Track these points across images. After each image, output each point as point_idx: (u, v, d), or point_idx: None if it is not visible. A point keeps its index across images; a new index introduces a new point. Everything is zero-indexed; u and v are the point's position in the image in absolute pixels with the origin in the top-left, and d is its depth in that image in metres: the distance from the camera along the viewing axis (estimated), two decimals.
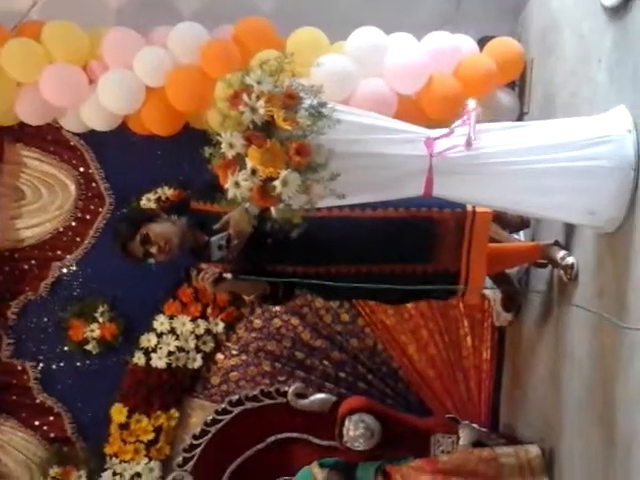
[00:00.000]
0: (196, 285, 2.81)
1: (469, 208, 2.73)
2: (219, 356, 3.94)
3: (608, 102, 2.35)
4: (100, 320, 3.88)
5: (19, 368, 3.96)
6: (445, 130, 2.26)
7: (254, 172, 1.98)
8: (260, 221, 2.18)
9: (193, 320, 3.86)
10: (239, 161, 2.01)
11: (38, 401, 3.95)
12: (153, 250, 2.68)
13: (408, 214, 2.74)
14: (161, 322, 3.86)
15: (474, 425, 3.53)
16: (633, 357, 2.05)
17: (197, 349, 3.88)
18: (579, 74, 2.73)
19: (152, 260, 2.72)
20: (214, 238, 2.60)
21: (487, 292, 3.69)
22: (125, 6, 3.90)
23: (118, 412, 3.85)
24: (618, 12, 2.31)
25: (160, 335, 3.85)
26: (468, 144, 2.20)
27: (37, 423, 3.97)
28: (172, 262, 3.81)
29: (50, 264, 3.95)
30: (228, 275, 2.60)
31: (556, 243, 2.83)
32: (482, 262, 2.77)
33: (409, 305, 3.81)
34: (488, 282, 3.57)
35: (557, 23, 3.07)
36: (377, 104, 3.16)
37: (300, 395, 3.75)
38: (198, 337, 3.86)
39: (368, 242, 2.75)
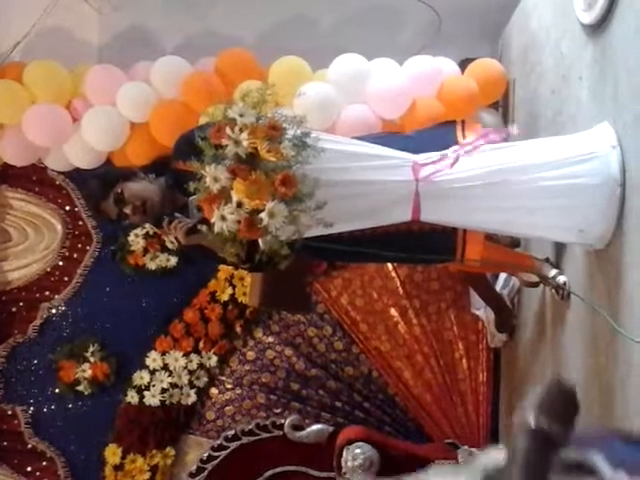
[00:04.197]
0: (167, 233, 2.51)
1: None
2: (213, 391, 3.89)
3: (591, 119, 2.36)
4: (91, 360, 3.82)
5: (9, 413, 3.90)
6: (434, 155, 2.27)
7: (240, 205, 1.97)
8: None
9: (185, 355, 3.82)
10: (224, 194, 2.00)
11: (30, 446, 3.88)
12: (127, 211, 2.45)
13: None
14: (153, 359, 3.81)
15: (473, 450, 3.49)
16: (630, 374, 2.03)
17: (191, 384, 3.83)
18: (561, 92, 2.75)
19: (127, 222, 2.53)
20: (193, 197, 2.28)
21: (480, 313, 3.69)
22: (106, 43, 3.91)
23: (112, 453, 3.79)
24: (597, 29, 2.33)
25: (153, 372, 3.80)
26: (453, 164, 2.21)
27: (29, 469, 3.89)
28: (163, 297, 3.86)
29: (38, 305, 3.90)
30: (203, 227, 2.24)
31: (547, 260, 2.82)
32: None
33: (402, 330, 3.79)
34: (481, 303, 3.58)
35: (537, 42, 3.09)
36: (361, 130, 3.15)
37: (297, 427, 3.69)
38: (191, 372, 3.82)
39: None
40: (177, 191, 2.42)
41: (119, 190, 2.46)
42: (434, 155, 2.29)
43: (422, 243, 2.46)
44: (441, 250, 2.50)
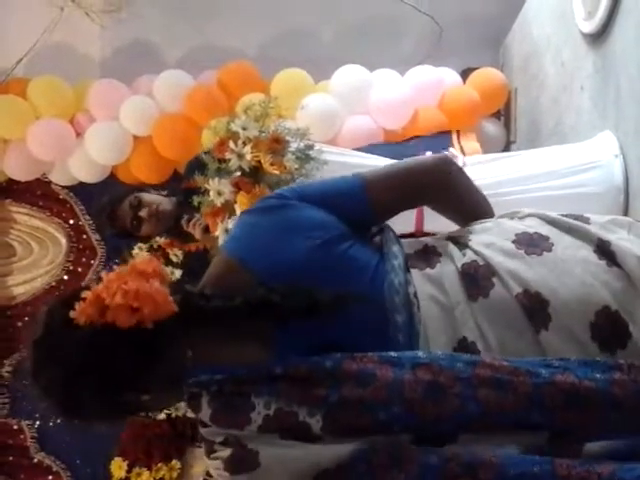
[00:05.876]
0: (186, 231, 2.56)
1: None
2: None
3: (593, 128, 2.36)
4: None
5: (15, 427, 3.89)
6: None
7: None
8: None
9: None
10: (228, 208, 2.00)
11: (36, 460, 3.87)
12: (143, 214, 2.46)
13: None
14: None
15: None
16: None
17: None
18: (562, 101, 2.75)
19: (138, 232, 2.52)
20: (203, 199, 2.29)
21: None
22: (109, 58, 3.94)
23: (118, 467, 3.77)
24: (597, 38, 2.34)
25: None
26: None
27: None
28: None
29: None
30: None
31: None
32: None
33: None
34: None
35: (538, 51, 3.10)
36: (364, 141, 3.16)
37: None
38: None
39: None
40: (188, 208, 2.45)
41: (135, 196, 2.51)
42: None
43: None
44: None
